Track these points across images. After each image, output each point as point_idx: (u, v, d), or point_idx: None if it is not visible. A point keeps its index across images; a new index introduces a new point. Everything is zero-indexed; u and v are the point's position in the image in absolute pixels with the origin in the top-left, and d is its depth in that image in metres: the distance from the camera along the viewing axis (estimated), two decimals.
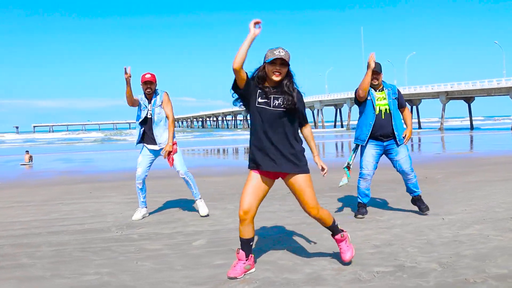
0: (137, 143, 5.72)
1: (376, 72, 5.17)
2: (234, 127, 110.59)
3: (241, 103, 3.40)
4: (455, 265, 3.40)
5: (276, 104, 3.28)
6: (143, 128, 5.62)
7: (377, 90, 5.24)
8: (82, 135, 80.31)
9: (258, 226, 4.94)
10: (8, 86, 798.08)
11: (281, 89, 3.30)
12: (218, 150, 24.26)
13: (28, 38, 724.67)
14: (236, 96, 3.34)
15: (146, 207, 5.80)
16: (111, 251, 4.19)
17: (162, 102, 5.53)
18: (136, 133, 5.78)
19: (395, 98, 5.27)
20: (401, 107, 5.37)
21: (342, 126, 74.93)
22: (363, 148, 5.34)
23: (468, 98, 58.13)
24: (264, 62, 3.29)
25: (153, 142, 5.59)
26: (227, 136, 50.15)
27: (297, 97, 3.34)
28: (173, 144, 5.55)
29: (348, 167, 5.52)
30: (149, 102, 5.54)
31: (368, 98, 5.23)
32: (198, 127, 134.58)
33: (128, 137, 56.68)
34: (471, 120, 58.65)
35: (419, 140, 28.60)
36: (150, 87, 5.47)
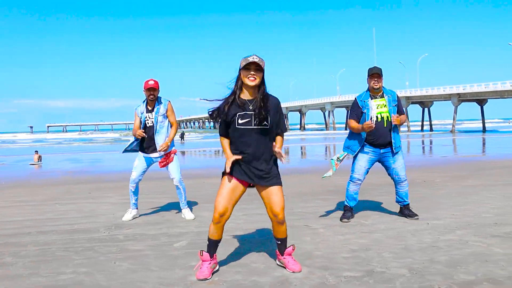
0: (124, 151, 5.80)
1: (377, 75, 5.15)
2: None
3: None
4: (425, 271, 3.42)
5: (258, 122, 3.36)
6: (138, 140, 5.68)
7: (378, 97, 5.22)
8: (96, 135, 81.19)
9: (240, 229, 5.01)
10: (23, 87, 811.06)
11: (257, 104, 3.35)
12: None
13: (43, 40, 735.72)
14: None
15: (137, 209, 5.89)
16: (93, 251, 4.28)
17: (166, 111, 5.62)
18: (130, 140, 5.84)
19: (395, 105, 5.25)
20: (400, 114, 5.31)
21: None
22: (358, 152, 5.33)
23: (480, 100, 57.47)
24: (240, 70, 3.36)
25: (153, 150, 5.66)
26: None
27: (272, 105, 3.41)
28: (172, 153, 5.65)
29: (336, 161, 5.30)
30: (151, 110, 5.60)
31: (363, 111, 5.21)
32: (210, 128, 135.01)
33: None
34: (483, 122, 57.94)
35: (431, 143, 28.37)
36: (153, 94, 5.53)
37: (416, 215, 5.34)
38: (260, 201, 3.77)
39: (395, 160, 5.26)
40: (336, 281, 3.27)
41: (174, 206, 6.64)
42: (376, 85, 5.16)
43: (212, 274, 3.42)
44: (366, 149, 5.26)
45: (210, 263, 3.43)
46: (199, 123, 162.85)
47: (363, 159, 5.27)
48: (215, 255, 3.51)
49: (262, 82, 3.39)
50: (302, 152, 22.74)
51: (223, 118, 3.39)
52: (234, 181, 3.42)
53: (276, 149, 3.39)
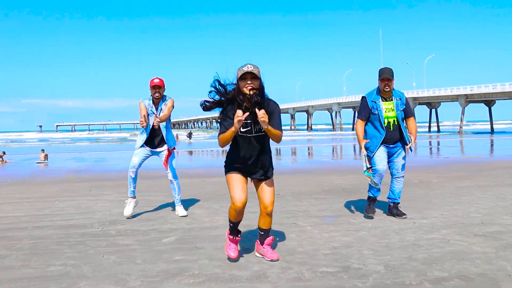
0: (140, 147, 5.83)
1: (388, 78, 5.19)
2: None
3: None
4: (400, 268, 3.51)
5: (257, 130, 3.57)
6: (147, 132, 5.75)
7: (387, 100, 5.29)
8: (103, 135, 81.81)
9: (223, 226, 5.09)
10: (33, 86, 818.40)
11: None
12: None
13: (53, 40, 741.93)
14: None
15: (135, 197, 5.82)
16: (84, 245, 4.43)
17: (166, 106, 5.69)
18: (139, 137, 5.87)
19: (403, 109, 5.31)
20: (407, 116, 5.38)
21: None
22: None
23: (488, 101, 57.08)
24: (237, 81, 3.49)
25: (158, 145, 5.79)
26: None
27: (270, 108, 3.54)
28: (172, 150, 5.80)
29: (368, 169, 5.37)
30: (157, 108, 5.70)
31: (375, 112, 5.29)
32: (217, 128, 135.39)
33: None
34: (491, 124, 57.54)
35: (438, 144, 28.28)
36: (158, 92, 5.63)
37: (405, 214, 5.42)
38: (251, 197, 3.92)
39: (398, 155, 5.37)
40: (311, 276, 3.37)
41: (169, 204, 6.77)
42: (387, 89, 5.22)
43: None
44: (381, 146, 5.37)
45: (237, 244, 3.82)
46: (206, 123, 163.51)
47: (380, 151, 5.30)
48: (239, 236, 3.87)
49: (261, 88, 3.51)
50: (309, 153, 22.80)
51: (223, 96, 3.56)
52: (238, 174, 3.69)
53: (261, 115, 3.36)
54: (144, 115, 5.55)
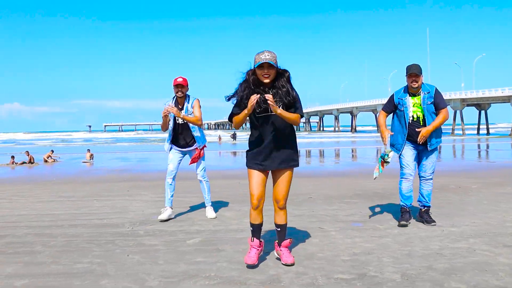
0: (170, 150, 5.98)
1: (416, 74, 5.15)
2: None
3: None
4: (417, 278, 3.45)
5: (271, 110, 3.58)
6: (173, 133, 5.89)
7: (415, 95, 5.24)
8: (151, 135, 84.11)
9: (246, 230, 5.17)
10: (82, 88, 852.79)
11: (276, 91, 3.62)
12: None
13: (103, 42, 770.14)
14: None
15: (171, 207, 5.93)
16: (113, 244, 4.63)
17: (193, 108, 5.85)
18: (167, 138, 6.01)
19: (431, 103, 5.23)
20: (439, 108, 5.26)
21: None
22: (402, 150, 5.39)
23: None
24: (254, 67, 3.60)
25: (185, 145, 5.95)
26: None
27: (292, 95, 3.64)
28: (202, 148, 5.93)
29: (383, 161, 5.30)
30: (181, 109, 5.85)
31: (401, 109, 5.28)
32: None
33: None
34: None
35: (487, 147, 27.17)
36: (181, 90, 5.79)
37: (434, 221, 5.29)
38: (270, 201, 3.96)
39: (427, 157, 5.29)
40: (325, 282, 3.38)
41: (201, 205, 6.91)
42: (415, 85, 5.18)
43: (258, 260, 3.80)
44: (407, 144, 5.32)
45: (258, 250, 3.80)
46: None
47: (408, 154, 5.30)
48: (263, 242, 3.90)
49: (279, 74, 3.63)
50: (353, 155, 22.52)
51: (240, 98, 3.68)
52: (255, 170, 3.74)
53: (269, 97, 3.50)
54: (166, 115, 5.65)
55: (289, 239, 3.89)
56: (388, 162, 5.27)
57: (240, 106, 3.68)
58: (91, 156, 19.87)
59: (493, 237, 4.65)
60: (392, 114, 5.51)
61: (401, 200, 5.44)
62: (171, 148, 5.98)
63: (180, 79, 5.79)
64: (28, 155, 19.94)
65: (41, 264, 3.98)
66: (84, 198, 7.90)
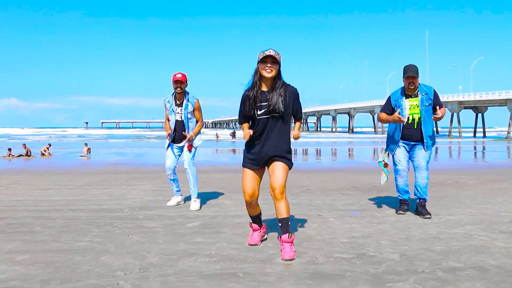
0: (168, 146, 6.03)
1: (413, 76, 5.17)
2: None
3: None
4: (415, 258, 3.49)
5: (271, 110, 3.62)
6: (174, 128, 5.93)
7: (412, 96, 5.27)
8: (148, 132, 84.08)
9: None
10: (82, 84, 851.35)
11: (274, 94, 3.62)
12: None
13: (102, 40, 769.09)
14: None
15: (181, 195, 6.11)
16: (112, 226, 4.65)
17: (194, 109, 5.89)
18: (171, 135, 5.99)
19: (429, 104, 5.25)
20: (436, 109, 5.27)
21: None
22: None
23: None
24: (257, 64, 3.62)
25: (181, 141, 5.96)
26: None
27: (290, 95, 3.65)
28: (191, 146, 5.97)
29: (384, 163, 5.60)
30: (180, 105, 5.88)
31: (397, 111, 5.28)
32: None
33: None
34: None
35: (483, 149, 27.29)
36: (180, 86, 5.81)
37: (429, 214, 5.18)
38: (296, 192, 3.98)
39: (419, 150, 5.34)
40: (324, 260, 3.41)
41: (199, 195, 6.91)
42: (412, 86, 5.20)
43: (261, 241, 3.95)
44: (400, 143, 5.39)
45: (260, 232, 3.97)
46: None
47: (399, 151, 5.39)
48: (264, 225, 4.07)
49: (279, 74, 3.65)
50: (349, 154, 22.58)
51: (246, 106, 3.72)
52: (249, 169, 3.75)
53: (295, 133, 3.83)
54: (170, 128, 5.83)
55: (287, 234, 3.52)
56: (388, 164, 5.47)
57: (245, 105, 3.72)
58: (89, 150, 19.84)
59: (489, 225, 4.70)
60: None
61: (399, 195, 5.51)
62: (169, 145, 6.04)
63: (179, 75, 5.82)
64: (25, 147, 19.90)
65: (41, 242, 3.99)
66: (82, 187, 7.91)
